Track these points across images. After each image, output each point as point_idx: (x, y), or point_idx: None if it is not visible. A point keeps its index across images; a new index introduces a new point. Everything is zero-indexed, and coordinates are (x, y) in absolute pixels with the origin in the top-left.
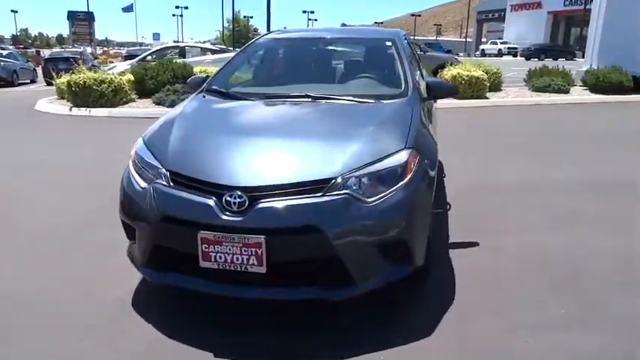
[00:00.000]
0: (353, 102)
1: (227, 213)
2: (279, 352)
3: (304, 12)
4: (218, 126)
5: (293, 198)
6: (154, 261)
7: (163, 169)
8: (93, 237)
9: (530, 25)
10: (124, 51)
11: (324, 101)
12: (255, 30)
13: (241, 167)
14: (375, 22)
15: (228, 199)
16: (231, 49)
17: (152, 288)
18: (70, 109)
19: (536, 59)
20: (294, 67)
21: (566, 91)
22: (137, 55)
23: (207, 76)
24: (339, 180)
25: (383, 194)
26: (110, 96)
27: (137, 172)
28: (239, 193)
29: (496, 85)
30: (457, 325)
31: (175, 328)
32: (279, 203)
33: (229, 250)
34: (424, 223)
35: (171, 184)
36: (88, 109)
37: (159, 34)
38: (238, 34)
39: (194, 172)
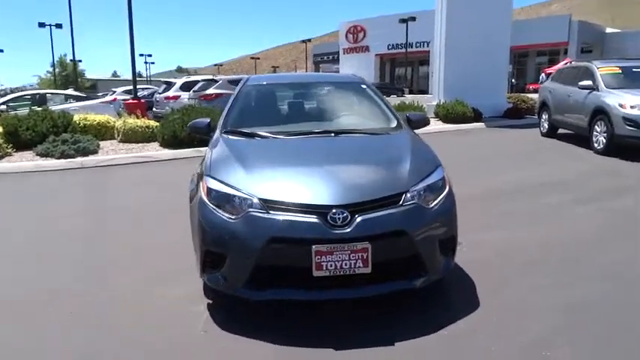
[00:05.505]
0: (368, 135)
1: (335, 227)
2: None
3: (141, 55)
4: (280, 158)
5: (381, 209)
6: (255, 281)
7: (255, 199)
8: None
9: (361, 65)
10: None
11: (343, 135)
12: (83, 75)
13: (336, 190)
14: (215, 64)
15: (333, 215)
16: (99, 94)
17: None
18: None
19: None
20: (293, 108)
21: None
22: None
23: (211, 120)
24: (408, 194)
25: (435, 202)
26: None
27: (217, 206)
28: (342, 210)
29: None
30: (493, 295)
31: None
32: (374, 215)
33: (339, 257)
34: (457, 223)
35: (269, 210)
36: None
37: None
38: (66, 78)
39: (291, 197)
